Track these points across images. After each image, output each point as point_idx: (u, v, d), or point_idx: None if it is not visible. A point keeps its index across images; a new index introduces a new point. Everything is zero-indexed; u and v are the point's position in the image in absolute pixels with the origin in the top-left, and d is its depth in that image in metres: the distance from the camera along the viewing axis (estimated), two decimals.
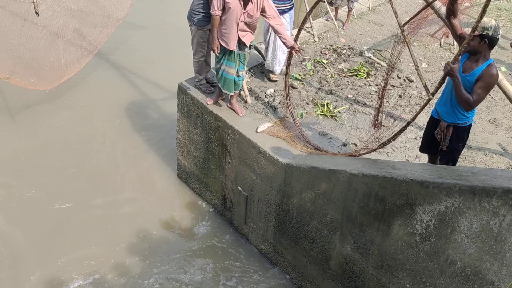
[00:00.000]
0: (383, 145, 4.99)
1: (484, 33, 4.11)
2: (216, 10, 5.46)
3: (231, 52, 5.64)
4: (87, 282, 5.88)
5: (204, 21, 5.93)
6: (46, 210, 6.69)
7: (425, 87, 4.46)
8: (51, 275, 5.92)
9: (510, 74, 7.55)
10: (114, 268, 6.06)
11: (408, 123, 4.59)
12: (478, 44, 4.17)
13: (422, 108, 4.48)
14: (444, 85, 4.41)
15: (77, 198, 6.90)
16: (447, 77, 4.23)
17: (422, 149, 5.03)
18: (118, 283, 5.89)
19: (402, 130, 4.68)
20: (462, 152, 4.91)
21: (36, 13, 7.14)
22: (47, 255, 6.12)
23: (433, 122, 4.71)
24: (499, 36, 4.17)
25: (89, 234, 6.44)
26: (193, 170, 7.01)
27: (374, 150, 5.19)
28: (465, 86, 4.16)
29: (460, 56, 4.16)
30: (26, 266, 5.97)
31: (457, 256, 3.97)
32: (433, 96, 4.35)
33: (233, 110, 6.06)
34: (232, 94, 5.93)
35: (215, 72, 5.98)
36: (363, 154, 5.22)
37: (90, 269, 6.02)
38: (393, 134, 4.79)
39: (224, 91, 5.91)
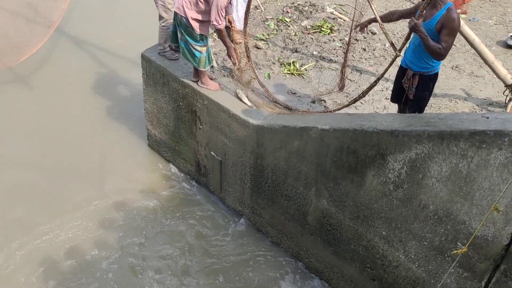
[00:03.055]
0: (355, 101, 5.06)
1: None
2: (222, 22, 5.29)
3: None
4: (62, 253, 5.87)
5: None
6: (15, 183, 6.66)
7: (392, 44, 4.52)
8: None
9: (469, 20, 7.67)
10: (90, 241, 6.03)
11: (378, 79, 4.65)
12: None
13: (390, 64, 4.54)
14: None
15: (47, 173, 6.83)
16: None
17: (393, 98, 5.12)
18: (97, 256, 5.87)
19: (371, 86, 4.75)
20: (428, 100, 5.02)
21: None
22: (19, 227, 6.11)
23: (401, 71, 4.79)
24: None
25: (62, 208, 6.38)
26: (164, 139, 6.96)
27: (346, 106, 5.25)
28: (429, 33, 4.22)
29: (424, 11, 4.22)
30: None
31: (429, 200, 4.11)
32: (400, 52, 4.43)
33: (208, 88, 5.87)
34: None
35: (199, 56, 5.61)
36: (335, 110, 5.28)
37: (64, 242, 5.98)
38: (363, 91, 4.85)
39: (205, 69, 5.76)
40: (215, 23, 5.28)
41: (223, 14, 5.28)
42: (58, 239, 6.00)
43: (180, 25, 5.49)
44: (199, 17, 5.37)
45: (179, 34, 5.61)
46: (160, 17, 6.20)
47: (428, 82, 4.62)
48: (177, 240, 6.11)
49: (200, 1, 5.30)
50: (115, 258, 5.86)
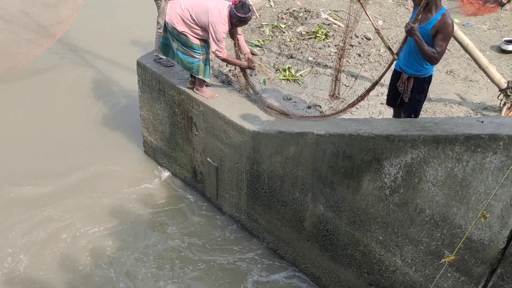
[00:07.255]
0: (352, 105, 5.07)
1: None
2: (223, 51, 5.32)
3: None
4: (55, 259, 5.84)
5: None
6: (11, 188, 6.68)
7: (389, 49, 4.55)
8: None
9: (463, 25, 7.71)
10: (83, 247, 6.01)
11: (375, 83, 4.66)
12: None
13: (387, 68, 4.57)
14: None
15: (42, 179, 6.82)
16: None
17: (388, 102, 5.15)
18: (89, 263, 5.85)
19: (369, 90, 4.76)
20: (423, 105, 5.04)
21: None
22: (12, 234, 6.11)
23: (396, 75, 4.81)
24: None
25: (58, 212, 6.38)
26: (160, 145, 6.95)
27: (342, 111, 5.26)
28: (423, 37, 4.26)
29: (420, 15, 4.26)
30: None
31: (425, 204, 4.11)
32: (397, 56, 4.46)
33: (203, 96, 5.84)
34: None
35: (196, 65, 5.59)
36: (331, 116, 5.28)
37: (59, 246, 5.97)
38: (361, 95, 4.87)
39: (206, 78, 5.75)
40: (216, 53, 5.32)
41: (223, 45, 5.29)
42: (50, 243, 5.99)
43: (172, 33, 5.48)
44: (190, 33, 5.37)
45: (174, 45, 5.56)
46: (157, 23, 6.21)
47: (423, 84, 4.65)
48: (173, 247, 6.09)
49: (190, 21, 5.28)
50: (107, 264, 5.84)
